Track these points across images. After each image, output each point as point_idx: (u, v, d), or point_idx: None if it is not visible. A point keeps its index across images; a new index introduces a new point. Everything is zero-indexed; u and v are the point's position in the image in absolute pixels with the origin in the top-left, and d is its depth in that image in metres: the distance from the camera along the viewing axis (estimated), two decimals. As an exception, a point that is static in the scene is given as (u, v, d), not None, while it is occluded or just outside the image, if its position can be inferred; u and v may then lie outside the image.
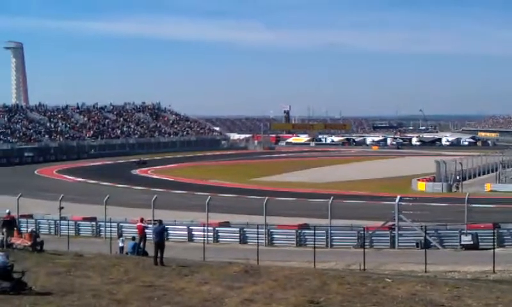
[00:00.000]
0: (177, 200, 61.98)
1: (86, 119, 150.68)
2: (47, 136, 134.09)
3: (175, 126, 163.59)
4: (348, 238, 40.36)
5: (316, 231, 38.20)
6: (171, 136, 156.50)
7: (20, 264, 21.83)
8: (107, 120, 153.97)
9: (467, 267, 31.36)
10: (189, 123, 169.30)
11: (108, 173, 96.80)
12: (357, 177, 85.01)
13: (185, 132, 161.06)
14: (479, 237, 37.38)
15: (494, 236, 34.83)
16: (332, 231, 40.17)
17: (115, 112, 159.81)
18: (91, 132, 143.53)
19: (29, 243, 30.17)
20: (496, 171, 79.44)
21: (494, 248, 32.46)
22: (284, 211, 49.07)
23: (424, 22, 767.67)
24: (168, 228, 38.69)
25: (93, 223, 47.03)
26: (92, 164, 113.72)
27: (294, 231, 41.58)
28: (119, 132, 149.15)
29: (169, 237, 40.88)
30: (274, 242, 41.60)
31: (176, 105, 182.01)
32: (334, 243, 40.06)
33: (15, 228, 33.29)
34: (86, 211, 50.36)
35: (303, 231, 41.34)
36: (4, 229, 33.24)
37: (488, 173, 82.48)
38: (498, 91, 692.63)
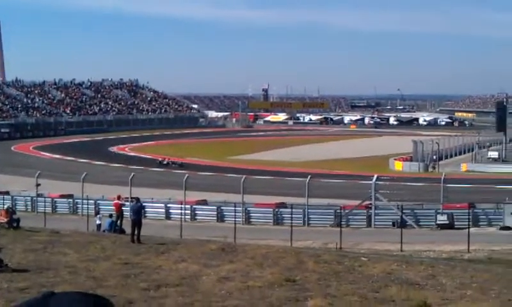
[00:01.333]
0: (155, 178, 61.85)
1: (63, 95, 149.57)
2: (23, 112, 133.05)
3: (153, 103, 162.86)
4: (325, 217, 40.58)
5: (293, 210, 38.40)
6: (149, 113, 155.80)
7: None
8: (84, 96, 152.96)
9: (442, 246, 31.67)
10: (167, 100, 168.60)
11: (85, 149, 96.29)
12: (334, 156, 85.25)
13: (163, 110, 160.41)
14: (455, 217, 37.77)
15: (469, 216, 35.19)
16: (309, 210, 40.36)
17: (93, 89, 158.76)
18: (69, 108, 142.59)
19: (5, 220, 30.04)
20: (473, 151, 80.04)
21: (469, 228, 32.82)
22: (262, 189, 49.15)
23: (403, 2, 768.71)
24: (145, 205, 38.69)
25: (70, 200, 46.91)
26: (69, 140, 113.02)
27: (271, 209, 41.74)
28: (96, 108, 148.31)
29: (147, 215, 40.87)
30: (251, 220, 41.74)
31: (155, 82, 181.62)
32: (311, 222, 40.27)
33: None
34: (62, 188, 50.14)
35: (280, 209, 41.50)
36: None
37: (465, 153, 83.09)
38: (475, 71, 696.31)
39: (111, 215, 34.59)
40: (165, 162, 75.54)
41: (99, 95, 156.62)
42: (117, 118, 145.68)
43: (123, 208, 33.37)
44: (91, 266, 19.87)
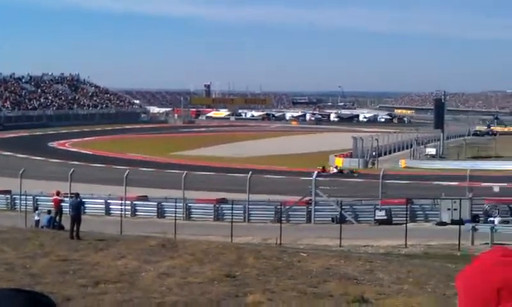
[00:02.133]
0: (95, 173, 61.29)
1: (2, 89, 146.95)
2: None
3: (94, 98, 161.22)
4: (265, 212, 40.79)
5: (234, 206, 38.52)
6: (90, 109, 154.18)
7: None
8: (24, 91, 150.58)
9: (380, 241, 32.13)
10: (108, 95, 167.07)
11: (24, 144, 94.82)
12: (276, 152, 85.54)
13: (104, 105, 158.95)
14: (393, 212, 38.34)
15: (407, 211, 35.74)
16: (250, 206, 40.51)
17: (33, 83, 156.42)
18: (8, 102, 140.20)
19: None
20: (411, 147, 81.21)
21: (406, 223, 33.37)
22: (203, 185, 49.09)
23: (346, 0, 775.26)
24: (85, 201, 38.31)
25: (8, 196, 46.15)
26: (8, 135, 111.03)
27: (212, 205, 41.77)
28: (36, 103, 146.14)
29: (87, 211, 40.45)
30: (192, 216, 41.72)
31: (96, 77, 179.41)
32: (251, 217, 40.44)
33: None
34: (0, 183, 49.34)
35: (221, 205, 41.57)
36: None
37: (403, 149, 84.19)
38: (414, 69, 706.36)
39: (49, 211, 34.19)
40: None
41: (39, 90, 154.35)
42: (57, 113, 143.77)
43: (62, 204, 33.02)
44: (28, 263, 19.67)
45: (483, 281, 1.71)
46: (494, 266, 1.72)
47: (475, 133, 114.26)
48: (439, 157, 77.90)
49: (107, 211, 43.08)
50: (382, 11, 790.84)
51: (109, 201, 43.77)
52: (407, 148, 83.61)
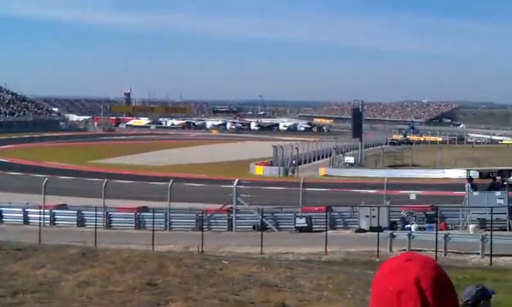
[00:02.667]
0: (13, 182, 60.05)
1: None
2: None
3: (11, 106, 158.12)
4: (187, 220, 40.72)
5: (155, 214, 38.31)
6: (7, 116, 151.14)
7: None
8: None
9: (301, 248, 32.42)
10: (26, 103, 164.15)
11: None
12: (196, 160, 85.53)
13: (21, 113, 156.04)
14: (313, 220, 38.74)
15: (326, 218, 36.15)
16: (171, 214, 40.39)
17: None
18: None
19: None
20: (330, 156, 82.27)
21: (326, 230, 33.78)
22: (123, 193, 48.63)
23: (265, 8, 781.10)
24: (2, 210, 37.65)
25: None
26: None
27: (133, 213, 41.49)
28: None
29: (4, 220, 39.79)
30: (112, 224, 41.34)
31: (13, 84, 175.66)
32: (173, 226, 40.32)
33: None
34: None
35: (142, 213, 41.33)
36: None
37: (323, 158, 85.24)
38: (333, 79, 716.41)
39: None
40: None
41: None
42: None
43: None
44: None
45: (385, 284, 1.84)
46: (396, 270, 1.86)
47: (392, 142, 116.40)
48: (357, 165, 79.21)
49: (26, 220, 42.26)
50: (301, 21, 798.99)
51: (27, 209, 42.97)
52: (326, 157, 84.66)
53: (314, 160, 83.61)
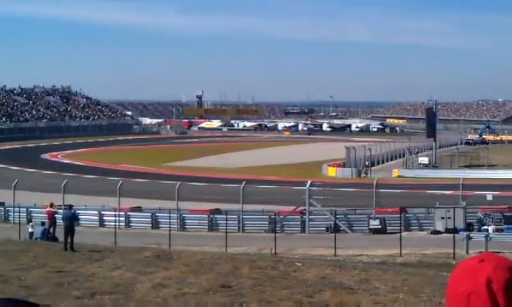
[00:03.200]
0: (88, 185, 61.15)
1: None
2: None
3: (86, 110, 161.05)
4: (260, 222, 40.73)
5: (228, 216, 38.39)
6: (82, 120, 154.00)
7: None
8: (15, 103, 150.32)
9: (375, 250, 32.08)
10: (100, 107, 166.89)
11: (17, 157, 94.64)
12: (269, 162, 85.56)
13: (96, 116, 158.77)
14: (387, 221, 38.29)
15: (401, 220, 35.70)
16: (244, 216, 40.46)
17: (24, 95, 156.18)
18: (0, 114, 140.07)
19: None
20: (404, 156, 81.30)
21: (401, 232, 33.33)
22: (196, 196, 49.02)
23: (335, 12, 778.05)
24: (78, 213, 38.27)
25: (1, 208, 46.04)
26: (0, 147, 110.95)
27: (206, 215, 41.71)
28: (28, 115, 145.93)
29: (80, 222, 40.37)
30: (186, 226, 41.64)
31: (88, 89, 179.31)
32: (246, 228, 40.38)
33: None
34: (-7, 196, 49.16)
35: (215, 215, 41.50)
36: None
37: (396, 158, 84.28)
38: (405, 79, 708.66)
39: (43, 223, 34.09)
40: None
41: (31, 102, 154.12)
42: (50, 125, 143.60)
43: (55, 216, 32.93)
44: (23, 275, 19.60)
45: (457, 286, 1.76)
46: (469, 272, 1.77)
47: (467, 142, 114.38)
48: (432, 166, 77.96)
49: (101, 222, 42.96)
50: (371, 21, 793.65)
51: (102, 212, 43.67)
52: (399, 158, 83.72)
53: (387, 161, 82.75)
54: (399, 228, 34.52)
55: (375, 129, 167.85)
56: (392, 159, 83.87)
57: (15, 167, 79.02)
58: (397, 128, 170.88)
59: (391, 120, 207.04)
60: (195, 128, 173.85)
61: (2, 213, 45.77)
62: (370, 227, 38.46)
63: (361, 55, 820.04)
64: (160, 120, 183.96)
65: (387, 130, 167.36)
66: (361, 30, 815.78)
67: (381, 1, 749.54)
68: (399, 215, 36.62)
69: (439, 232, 36.80)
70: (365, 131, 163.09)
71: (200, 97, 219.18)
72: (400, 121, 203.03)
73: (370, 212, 39.94)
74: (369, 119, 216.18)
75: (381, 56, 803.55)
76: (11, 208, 44.10)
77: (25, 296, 16.69)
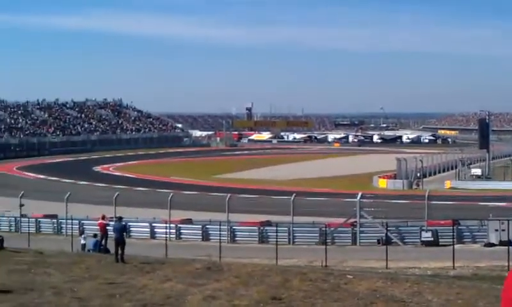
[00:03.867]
0: (139, 197, 61.65)
1: (46, 115, 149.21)
2: (6, 133, 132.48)
3: (137, 123, 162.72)
4: (310, 235, 40.56)
5: (278, 228, 38.32)
6: (133, 133, 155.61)
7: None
8: (68, 117, 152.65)
9: (427, 263, 31.69)
10: (151, 119, 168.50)
11: (69, 169, 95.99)
12: (319, 174, 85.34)
13: (147, 129, 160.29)
14: (439, 234, 37.83)
15: (453, 232, 35.24)
16: (294, 228, 40.33)
17: (76, 109, 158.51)
18: (52, 128, 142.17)
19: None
20: (456, 168, 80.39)
21: (454, 244, 32.87)
22: (246, 208, 49.06)
23: (383, 21, 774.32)
24: (129, 225, 38.63)
25: (54, 220, 46.68)
26: (53, 160, 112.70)
27: (256, 228, 41.69)
28: (80, 128, 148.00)
29: (131, 234, 40.78)
30: (236, 238, 41.66)
31: (138, 102, 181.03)
32: (296, 240, 40.24)
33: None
34: (46, 208, 49.87)
35: (265, 228, 41.46)
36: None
37: (448, 170, 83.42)
38: (457, 89, 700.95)
39: (95, 235, 34.43)
40: None
41: (83, 115, 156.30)
42: (101, 138, 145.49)
43: (107, 228, 33.23)
44: (75, 286, 19.75)
45: (507, 292, 1.73)
46: None
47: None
48: (485, 177, 76.90)
49: (152, 234, 43.24)
50: (421, 31, 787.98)
51: (153, 224, 43.96)
52: (452, 169, 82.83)
53: (439, 172, 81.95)
54: (451, 240, 34.06)
55: (426, 140, 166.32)
56: (444, 171, 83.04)
57: (67, 180, 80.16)
58: (449, 140, 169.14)
59: (443, 131, 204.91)
60: (245, 141, 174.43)
61: (55, 225, 46.39)
62: (422, 239, 38.04)
63: (411, 65, 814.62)
64: (210, 132, 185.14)
65: (439, 141, 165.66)
66: (411, 39, 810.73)
67: (430, 10, 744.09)
68: (451, 228, 36.17)
69: (493, 244, 36.24)
70: (416, 142, 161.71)
71: (249, 109, 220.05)
72: (452, 132, 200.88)
73: (422, 224, 39.49)
74: (420, 131, 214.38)
75: (432, 66, 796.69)
76: (64, 221, 44.66)
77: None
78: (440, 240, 37.57)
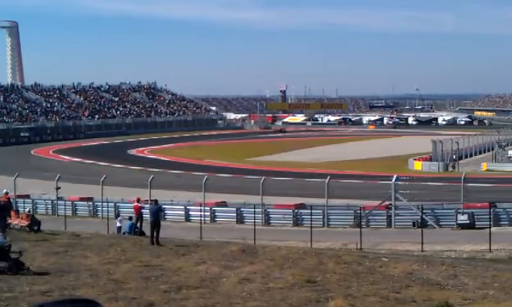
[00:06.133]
0: (174, 180, 61.93)
1: (82, 99, 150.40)
2: (43, 116, 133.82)
3: (171, 106, 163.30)
4: (345, 217, 40.39)
5: (313, 211, 38.19)
6: (168, 116, 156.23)
7: (17, 244, 21.87)
8: (103, 100, 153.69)
9: (463, 246, 31.45)
10: (185, 102, 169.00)
11: (104, 152, 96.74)
12: (354, 157, 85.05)
13: (181, 112, 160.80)
14: (475, 216, 37.46)
15: (490, 215, 34.87)
16: (329, 211, 40.18)
17: (111, 92, 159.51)
18: (87, 111, 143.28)
19: (26, 223, 30.24)
20: (493, 150, 79.60)
21: (490, 227, 32.56)
22: (281, 191, 49.07)
23: (419, 2, 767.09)
24: (164, 207, 38.79)
25: (90, 203, 47.05)
26: (88, 143, 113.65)
27: (290, 210, 41.61)
28: (115, 111, 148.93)
29: (166, 217, 40.98)
30: (270, 221, 41.64)
31: (173, 85, 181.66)
32: (331, 222, 40.11)
33: (12, 209, 33.37)
34: (82, 191, 50.30)
35: (300, 210, 41.36)
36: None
37: (484, 152, 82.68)
38: (493, 70, 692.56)
39: (130, 218, 34.66)
40: None
41: (117, 98, 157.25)
42: (136, 121, 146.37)
43: (142, 211, 33.43)
44: (111, 268, 19.93)
45: None
46: None
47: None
48: (522, 159, 76.03)
49: (187, 217, 43.40)
50: (457, 11, 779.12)
51: (188, 207, 44.12)
52: (488, 151, 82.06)
53: (475, 154, 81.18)
54: (488, 223, 33.73)
55: (462, 122, 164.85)
56: (480, 153, 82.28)
57: (102, 163, 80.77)
58: (486, 121, 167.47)
59: (479, 112, 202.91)
60: (279, 123, 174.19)
61: (91, 208, 46.78)
62: (458, 222, 37.72)
63: (447, 46, 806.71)
64: (244, 115, 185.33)
65: (475, 123, 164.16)
66: (447, 20, 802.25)
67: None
68: (488, 210, 35.78)
69: (530, 227, 35.84)
70: (452, 124, 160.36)
71: (283, 91, 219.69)
72: (489, 113, 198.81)
73: (458, 206, 39.13)
74: (456, 112, 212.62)
75: (468, 46, 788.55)
76: (100, 203, 45.01)
77: (114, 289, 16.98)
78: (476, 222, 37.21)
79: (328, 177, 41.33)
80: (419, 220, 36.64)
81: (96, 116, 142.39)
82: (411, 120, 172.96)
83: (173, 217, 42.49)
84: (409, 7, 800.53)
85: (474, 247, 30.87)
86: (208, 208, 42.57)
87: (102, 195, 44.11)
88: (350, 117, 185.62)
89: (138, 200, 34.33)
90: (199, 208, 42.11)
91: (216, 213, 43.07)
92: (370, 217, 39.70)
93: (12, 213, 31.34)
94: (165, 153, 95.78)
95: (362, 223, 36.00)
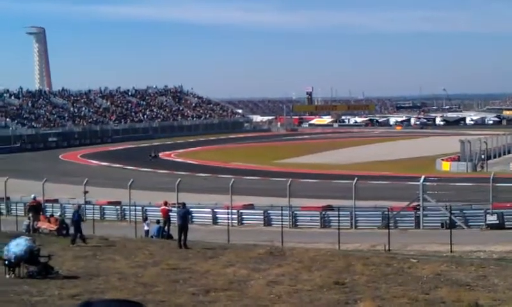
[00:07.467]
0: (201, 183, 62.05)
1: (108, 103, 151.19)
2: (70, 121, 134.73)
3: (198, 109, 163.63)
4: (372, 219, 40.20)
5: (340, 213, 38.05)
6: (194, 119, 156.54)
7: (46, 248, 22.04)
8: (129, 104, 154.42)
9: (493, 246, 31.14)
10: (211, 105, 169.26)
11: (132, 156, 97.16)
12: (381, 158, 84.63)
13: (207, 115, 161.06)
14: (505, 217, 37.10)
15: (520, 215, 34.55)
16: (356, 212, 40.01)
17: (138, 96, 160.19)
18: (114, 116, 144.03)
19: (55, 227, 30.47)
20: (522, 149, 78.87)
21: (520, 227, 32.26)
22: (308, 192, 48.94)
23: (446, 2, 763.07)
24: (192, 211, 38.83)
25: (118, 207, 47.24)
26: (116, 148, 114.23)
27: (318, 212, 41.49)
28: (142, 115, 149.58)
29: (194, 220, 41.01)
30: (298, 223, 41.53)
31: (199, 88, 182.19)
32: (358, 224, 39.94)
33: (41, 213, 33.66)
34: (110, 195, 50.55)
35: (327, 212, 41.23)
36: (31, 214, 33.64)
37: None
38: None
39: (158, 221, 34.77)
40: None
41: (144, 102, 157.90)
42: (162, 125, 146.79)
43: (170, 214, 33.52)
44: (140, 272, 20.02)
45: None
46: None
47: None
48: (551, 158, 75.26)
49: (214, 220, 43.44)
50: (483, 11, 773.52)
51: (215, 210, 44.15)
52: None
53: (504, 154, 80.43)
54: (517, 223, 33.41)
55: (491, 122, 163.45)
56: (509, 152, 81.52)
57: (130, 167, 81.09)
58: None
59: (508, 112, 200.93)
60: (306, 125, 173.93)
61: (119, 212, 46.96)
62: (488, 222, 37.38)
63: (474, 45, 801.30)
64: (270, 117, 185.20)
65: (504, 122, 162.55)
66: (475, 20, 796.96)
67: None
68: (517, 210, 35.45)
69: (560, 227, 35.43)
70: (480, 124, 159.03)
71: (310, 93, 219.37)
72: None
73: (487, 206, 38.79)
74: (484, 112, 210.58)
75: (495, 46, 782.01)
76: (127, 207, 45.18)
77: (143, 293, 17.04)
78: (506, 223, 36.86)
79: (356, 178, 41.16)
80: (447, 221, 36.34)
81: (123, 121, 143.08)
82: (438, 120, 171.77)
83: (200, 220, 42.54)
84: (436, 9, 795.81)
85: (504, 247, 30.56)
86: (236, 211, 42.58)
87: (129, 198, 44.27)
88: (377, 118, 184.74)
89: (166, 203, 34.44)
90: (226, 210, 42.13)
91: (243, 216, 43.05)
92: (398, 218, 39.46)
93: (41, 217, 31.62)
94: (192, 157, 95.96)
95: (390, 224, 35.80)
